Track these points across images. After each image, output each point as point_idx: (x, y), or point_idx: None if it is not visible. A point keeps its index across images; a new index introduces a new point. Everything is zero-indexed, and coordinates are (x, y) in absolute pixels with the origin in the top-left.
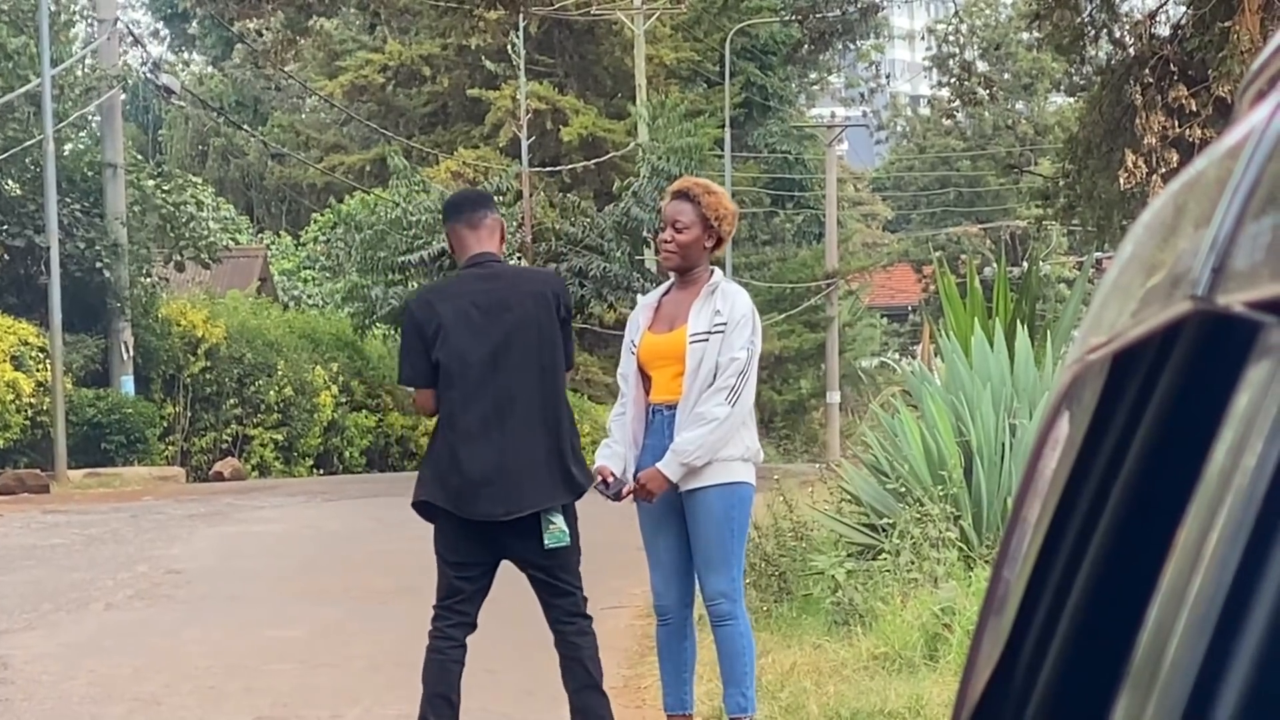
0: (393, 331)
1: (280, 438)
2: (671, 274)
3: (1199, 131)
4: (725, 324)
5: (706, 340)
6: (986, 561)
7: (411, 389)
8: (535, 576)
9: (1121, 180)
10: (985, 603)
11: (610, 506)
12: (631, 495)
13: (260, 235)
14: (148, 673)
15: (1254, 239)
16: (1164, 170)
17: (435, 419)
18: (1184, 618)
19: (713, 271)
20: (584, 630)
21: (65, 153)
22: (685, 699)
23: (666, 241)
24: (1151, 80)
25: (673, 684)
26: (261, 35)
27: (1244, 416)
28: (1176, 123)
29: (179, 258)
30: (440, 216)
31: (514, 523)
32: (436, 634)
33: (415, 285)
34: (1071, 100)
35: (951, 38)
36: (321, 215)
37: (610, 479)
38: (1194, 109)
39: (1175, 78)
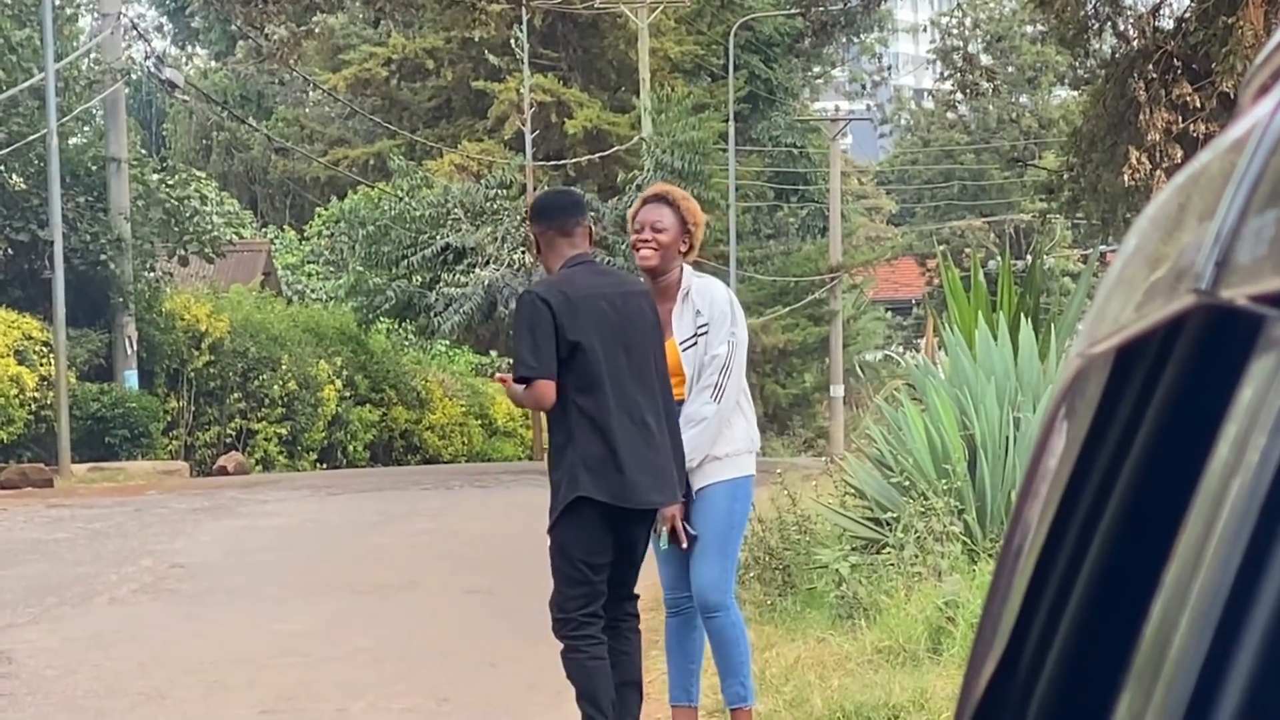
0: (396, 326)
1: (284, 432)
2: (644, 277)
3: (1203, 127)
4: (707, 323)
5: (695, 344)
6: (990, 555)
7: (522, 384)
8: (624, 567)
9: (1126, 177)
10: (989, 596)
11: None
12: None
13: (264, 229)
14: (152, 666)
15: (1258, 233)
16: (1167, 165)
17: (553, 416)
18: (1187, 613)
19: (681, 270)
20: (637, 629)
21: (69, 147)
22: (691, 690)
23: (646, 241)
24: (1155, 75)
25: (680, 675)
26: (263, 32)
27: (1248, 410)
28: (1180, 118)
29: (183, 252)
30: (444, 211)
31: (644, 514)
32: (593, 641)
33: (419, 280)
34: (1075, 94)
35: (955, 31)
36: (325, 209)
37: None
38: (1198, 104)
39: (1179, 73)
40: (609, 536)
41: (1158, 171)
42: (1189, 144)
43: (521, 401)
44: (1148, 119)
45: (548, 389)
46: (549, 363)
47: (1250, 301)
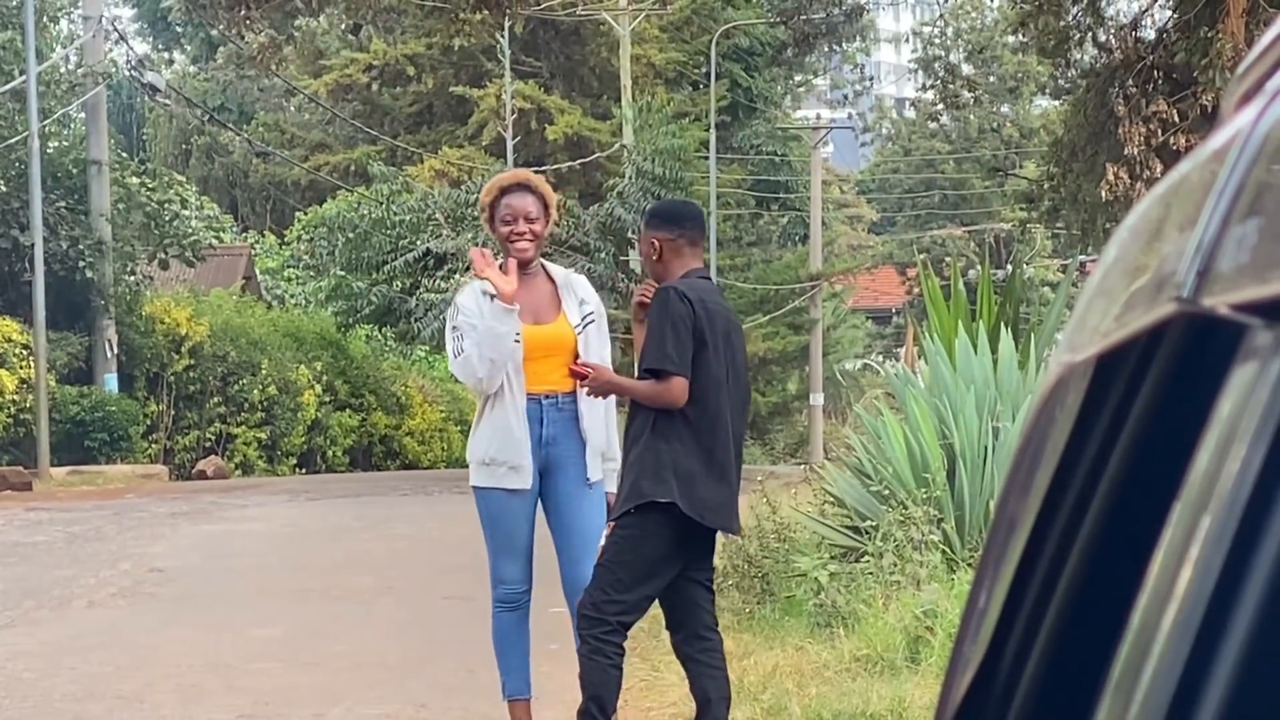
0: (375, 331)
1: (263, 436)
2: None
3: (1183, 139)
4: (593, 313)
5: (584, 331)
6: (969, 564)
7: (653, 378)
8: (698, 590)
9: (1104, 193)
10: (967, 605)
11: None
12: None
13: (244, 234)
14: (130, 670)
15: (1239, 241)
16: (1147, 175)
17: (653, 413)
18: (1167, 622)
19: (542, 263)
20: (721, 645)
21: (50, 150)
22: (530, 682)
23: (522, 234)
24: (1135, 88)
25: (522, 670)
26: (244, 38)
27: (1228, 420)
28: (1160, 130)
29: (163, 256)
30: (424, 216)
31: (711, 539)
32: (619, 649)
33: (399, 285)
34: (1056, 103)
35: (937, 40)
36: (305, 214)
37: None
38: (1176, 118)
39: (1160, 84)
40: (679, 554)
41: (1138, 184)
42: (1169, 156)
43: (645, 395)
44: (1126, 133)
45: (684, 386)
46: (686, 360)
47: (1232, 310)
